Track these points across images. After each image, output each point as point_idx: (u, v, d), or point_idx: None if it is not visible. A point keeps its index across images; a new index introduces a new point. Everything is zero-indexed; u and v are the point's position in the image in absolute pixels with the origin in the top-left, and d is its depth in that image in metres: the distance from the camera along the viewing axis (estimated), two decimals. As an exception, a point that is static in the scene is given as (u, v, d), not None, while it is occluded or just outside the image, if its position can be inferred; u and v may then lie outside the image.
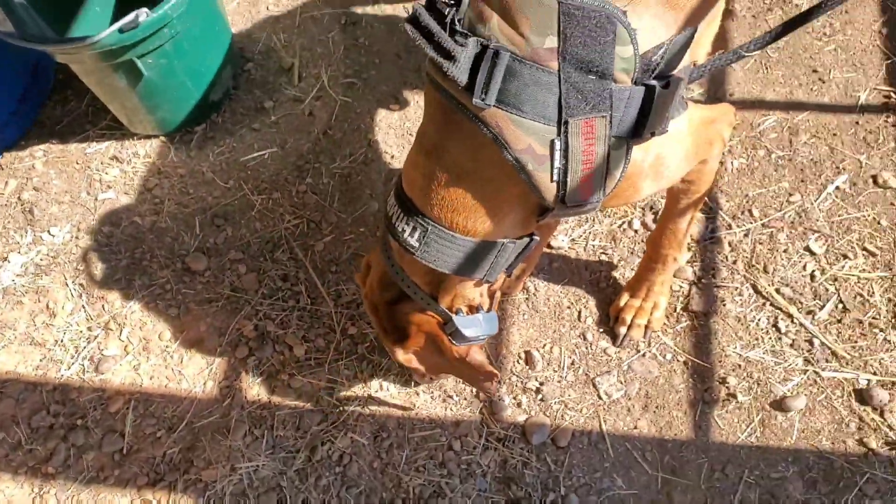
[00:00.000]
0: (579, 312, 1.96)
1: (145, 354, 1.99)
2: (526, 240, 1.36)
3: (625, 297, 1.93)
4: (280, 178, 2.23)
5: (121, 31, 1.92)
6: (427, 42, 1.17)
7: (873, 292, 1.90)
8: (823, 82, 2.20)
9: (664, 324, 1.92)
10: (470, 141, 1.22)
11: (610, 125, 1.20)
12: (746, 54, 1.30)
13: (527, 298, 1.99)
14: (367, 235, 2.12)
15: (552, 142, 1.19)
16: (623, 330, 1.92)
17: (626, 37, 1.16)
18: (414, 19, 1.18)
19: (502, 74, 1.15)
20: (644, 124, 1.22)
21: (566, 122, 1.17)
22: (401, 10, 2.47)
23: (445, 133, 1.25)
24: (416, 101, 2.31)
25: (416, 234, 1.31)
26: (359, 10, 2.48)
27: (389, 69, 2.38)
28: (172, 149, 2.32)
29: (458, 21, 1.18)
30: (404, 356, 1.51)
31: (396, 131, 2.27)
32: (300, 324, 2.00)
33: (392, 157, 2.23)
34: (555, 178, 1.22)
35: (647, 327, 1.91)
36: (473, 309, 1.44)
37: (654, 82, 1.20)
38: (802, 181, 2.06)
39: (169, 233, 2.18)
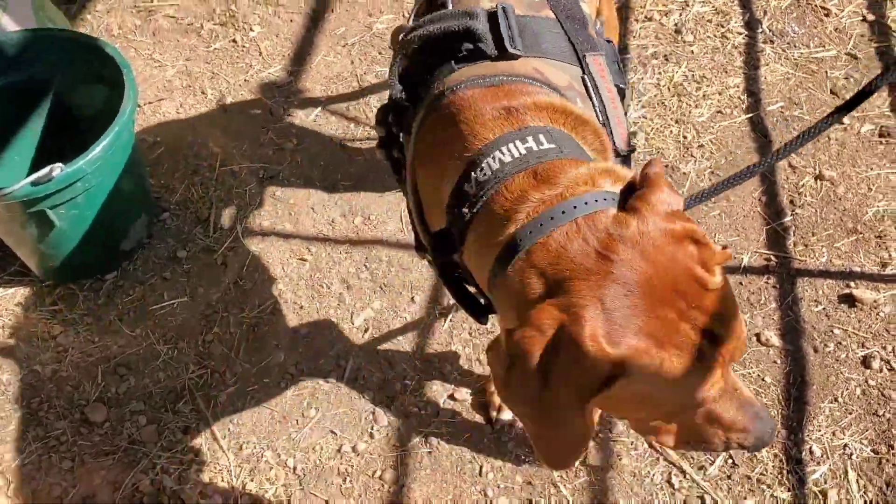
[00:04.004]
0: (481, 467, 1.98)
1: (33, 511, 1.93)
2: None
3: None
4: (187, 327, 2.25)
5: (34, 184, 1.96)
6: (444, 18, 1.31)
7: (760, 448, 1.97)
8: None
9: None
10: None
11: (607, 67, 1.36)
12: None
13: (430, 452, 2.01)
14: (270, 386, 2.13)
15: (583, 79, 1.31)
16: (494, 413, 2.03)
17: None
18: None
19: (517, 27, 1.28)
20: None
21: (584, 57, 1.32)
22: (317, 169, 2.58)
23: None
24: (328, 254, 2.38)
25: None
26: (276, 165, 2.58)
27: (304, 221, 2.45)
28: (81, 296, 2.32)
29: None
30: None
31: (307, 282, 2.32)
32: (198, 479, 1.97)
33: (301, 307, 2.27)
34: (599, 117, 1.30)
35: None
36: None
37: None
38: (693, 338, 2.16)
39: (69, 382, 2.15)
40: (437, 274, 1.32)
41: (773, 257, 2.28)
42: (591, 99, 1.32)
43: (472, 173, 1.17)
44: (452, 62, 1.31)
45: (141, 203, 2.37)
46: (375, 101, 2.73)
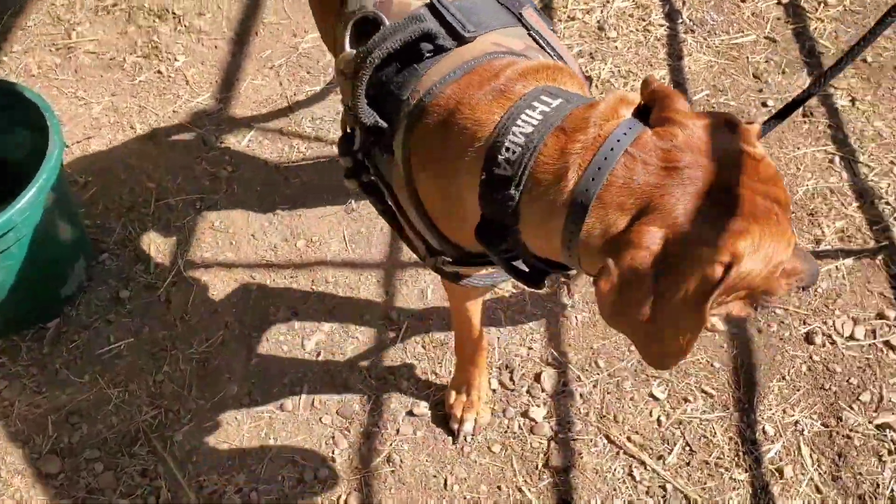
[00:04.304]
0: (445, 480, 1.99)
1: (-8, 574, 1.88)
2: None
3: (452, 395, 2.06)
4: (136, 368, 2.21)
5: (-38, 239, 1.91)
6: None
7: (715, 432, 2.01)
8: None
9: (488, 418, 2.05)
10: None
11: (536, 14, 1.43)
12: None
13: (393, 471, 2.01)
14: (226, 420, 2.11)
15: (529, 35, 1.37)
16: (456, 425, 2.05)
17: None
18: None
19: (459, 12, 1.33)
20: None
21: (521, 17, 1.37)
22: (254, 195, 2.55)
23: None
24: (273, 280, 2.36)
25: None
26: (213, 194, 2.56)
27: (246, 249, 2.43)
28: (24, 347, 2.26)
29: None
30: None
31: (254, 311, 2.30)
32: (161, 522, 1.94)
33: (250, 337, 2.25)
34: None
35: (476, 423, 2.05)
36: None
37: None
38: (642, 330, 2.20)
39: (20, 436, 2.10)
40: (500, 263, 1.31)
41: (711, 243, 2.33)
42: (544, 49, 1.41)
43: (498, 157, 1.19)
44: (414, 66, 1.33)
45: (77, 246, 2.33)
46: (308, 122, 2.72)
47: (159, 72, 2.89)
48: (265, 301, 2.33)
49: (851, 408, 2.01)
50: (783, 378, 2.07)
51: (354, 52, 1.39)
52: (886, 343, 2.10)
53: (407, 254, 2.38)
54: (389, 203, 1.49)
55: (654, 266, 1.06)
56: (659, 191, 1.08)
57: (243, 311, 2.31)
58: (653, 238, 1.06)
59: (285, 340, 2.24)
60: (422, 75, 1.33)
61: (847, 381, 2.05)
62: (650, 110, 1.16)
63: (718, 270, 1.04)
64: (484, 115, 1.24)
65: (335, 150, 2.61)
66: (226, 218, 2.51)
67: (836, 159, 2.46)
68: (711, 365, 2.12)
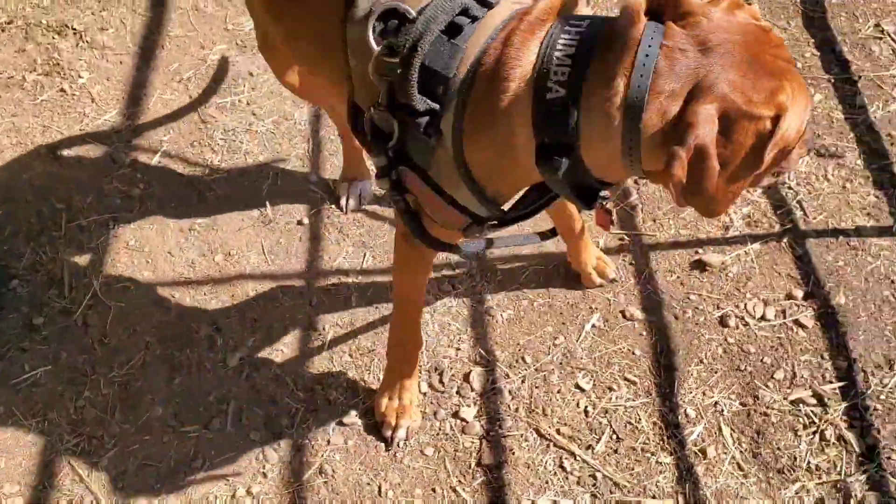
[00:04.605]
0: (379, 487, 1.99)
1: None
2: None
3: (384, 401, 2.05)
4: (55, 396, 2.14)
5: None
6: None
7: (640, 419, 2.07)
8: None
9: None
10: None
11: None
12: None
13: (325, 482, 2.00)
14: (152, 443, 2.06)
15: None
16: (389, 432, 2.05)
17: None
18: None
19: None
20: None
21: None
22: (168, 211, 2.51)
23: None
24: (192, 296, 2.32)
25: None
26: (126, 213, 2.50)
27: (163, 267, 2.39)
28: (-68, 382, 2.18)
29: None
30: None
31: (174, 329, 2.26)
32: (89, 552, 1.89)
33: (172, 356, 2.21)
34: None
35: (409, 428, 2.05)
36: None
37: None
38: (563, 323, 2.25)
39: (-68, 476, 2.02)
40: (568, 195, 1.41)
41: (626, 236, 2.40)
42: None
43: (547, 83, 1.30)
44: (453, 42, 1.40)
45: (-16, 274, 2.25)
46: (220, 135, 2.68)
47: (62, 90, 2.81)
48: (186, 318, 2.29)
49: (767, 386, 2.09)
50: (701, 362, 2.14)
51: (385, 45, 1.42)
52: (796, 322, 2.19)
53: (329, 262, 2.37)
54: (410, 201, 1.57)
55: (716, 139, 1.21)
56: (702, 70, 1.23)
57: (164, 330, 2.27)
58: (708, 114, 1.20)
59: (208, 357, 2.21)
60: (465, 48, 1.40)
61: (761, 360, 2.13)
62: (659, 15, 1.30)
63: (769, 124, 1.21)
64: (525, 53, 1.34)
65: (249, 161, 2.60)
66: (141, 236, 2.46)
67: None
68: (633, 353, 2.17)
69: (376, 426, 2.08)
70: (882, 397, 2.04)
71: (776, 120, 1.21)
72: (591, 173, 1.36)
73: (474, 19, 1.41)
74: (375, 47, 1.44)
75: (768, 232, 2.36)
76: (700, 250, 2.35)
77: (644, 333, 2.21)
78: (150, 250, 2.43)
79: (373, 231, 2.44)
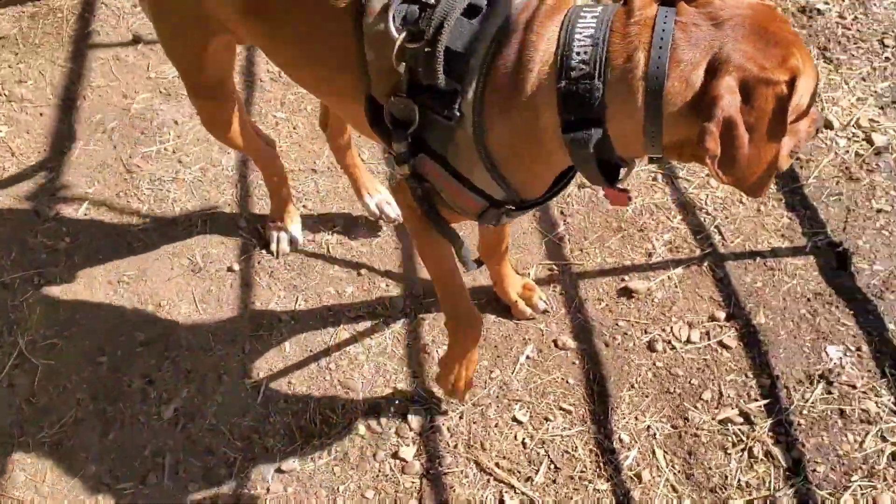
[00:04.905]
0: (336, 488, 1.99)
1: None
2: None
3: (450, 375, 2.07)
4: (-18, 461, 2.09)
5: None
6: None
7: (577, 447, 2.11)
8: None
9: None
10: None
11: None
12: None
13: None
14: (87, 504, 2.02)
15: None
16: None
17: None
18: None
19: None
20: None
21: None
22: (96, 264, 2.47)
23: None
24: (123, 349, 2.29)
25: None
26: (52, 268, 2.46)
27: (92, 321, 2.35)
28: None
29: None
30: None
31: (106, 384, 2.23)
32: None
33: (104, 411, 2.17)
34: None
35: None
36: None
37: None
38: (498, 356, 2.28)
39: None
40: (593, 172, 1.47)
41: (555, 266, 2.45)
42: None
43: (570, 62, 1.37)
44: (472, 22, 1.45)
45: None
46: (146, 184, 2.66)
47: (-19, 145, 2.76)
48: (117, 372, 2.25)
49: (696, 407, 2.15)
50: (632, 387, 2.20)
51: (408, 32, 1.46)
52: (720, 343, 2.26)
53: (261, 307, 2.37)
54: (428, 182, 1.62)
55: (741, 104, 1.29)
56: (716, 42, 1.31)
57: (95, 385, 2.23)
58: (730, 86, 1.28)
59: (142, 410, 2.18)
60: (483, 29, 1.44)
61: (689, 382, 2.20)
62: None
63: (785, 88, 1.29)
64: (544, 37, 1.41)
65: (177, 209, 2.58)
66: (68, 291, 2.42)
67: (659, 177, 2.64)
68: (567, 382, 2.22)
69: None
70: (805, 412, 2.12)
71: (792, 83, 1.29)
72: (614, 149, 1.43)
73: (491, 2, 1.46)
74: (397, 35, 1.48)
75: (689, 257, 2.44)
76: (626, 277, 2.41)
77: (577, 362, 2.25)
78: (78, 305, 2.39)
79: (304, 273, 2.45)
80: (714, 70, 1.30)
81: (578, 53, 1.37)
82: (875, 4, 3.04)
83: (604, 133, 1.39)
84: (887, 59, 2.91)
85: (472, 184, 1.57)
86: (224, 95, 2.12)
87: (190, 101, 2.21)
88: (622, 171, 1.52)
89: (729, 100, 1.28)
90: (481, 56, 1.45)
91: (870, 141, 2.67)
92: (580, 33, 1.38)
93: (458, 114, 1.48)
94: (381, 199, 2.53)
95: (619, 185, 1.53)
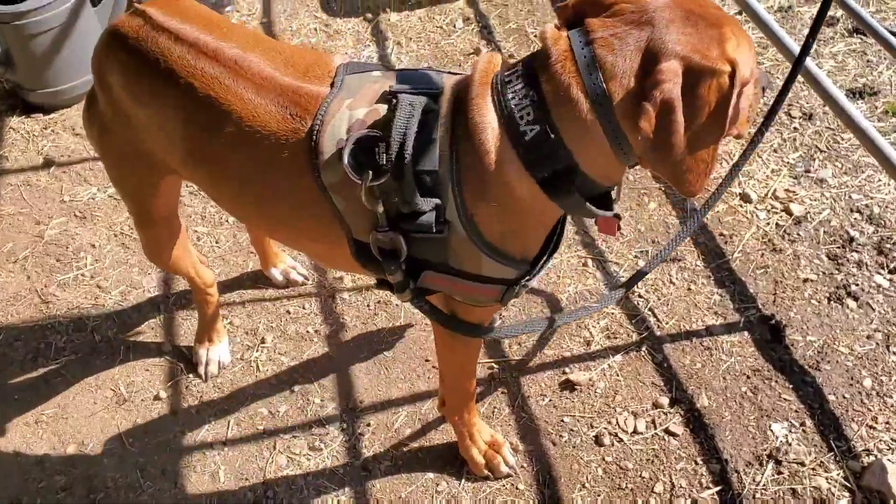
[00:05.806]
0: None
1: None
2: None
3: (476, 454, 2.13)
4: None
5: None
6: None
7: (532, 556, 2.02)
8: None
9: None
10: None
11: None
12: None
13: None
14: None
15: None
16: (504, 469, 2.16)
17: None
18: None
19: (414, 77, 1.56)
20: None
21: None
22: (11, 404, 2.33)
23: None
24: (45, 497, 2.14)
25: None
26: (-38, 413, 2.31)
27: (10, 469, 2.20)
28: None
29: None
30: None
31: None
32: None
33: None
34: None
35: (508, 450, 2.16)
36: None
37: None
38: (444, 466, 2.19)
39: None
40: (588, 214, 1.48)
41: (494, 365, 2.40)
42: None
43: (519, 128, 1.38)
44: (426, 134, 1.46)
45: None
46: (64, 315, 2.54)
47: None
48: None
49: (649, 502, 2.10)
50: (584, 486, 2.13)
51: (371, 171, 1.44)
52: (666, 430, 2.22)
53: (191, 437, 2.25)
54: (428, 300, 1.64)
55: (682, 91, 1.28)
56: (645, 40, 1.31)
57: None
58: (672, 70, 1.28)
59: (68, 564, 2.03)
60: (439, 136, 1.45)
61: (640, 475, 2.15)
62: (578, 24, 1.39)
63: (727, 80, 1.28)
64: (486, 117, 1.42)
65: (97, 337, 2.47)
66: (-16, 420, 2.27)
67: (589, 262, 2.64)
68: (517, 488, 2.14)
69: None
70: (757, 495, 2.08)
71: (733, 74, 1.28)
72: (596, 182, 1.44)
73: (431, 111, 1.47)
74: (358, 179, 1.45)
75: (627, 342, 2.42)
76: (567, 369, 2.37)
77: (525, 465, 2.18)
78: (-8, 448, 2.24)
79: (234, 395, 2.35)
80: (651, 63, 1.30)
81: (522, 118, 1.38)
82: (779, 78, 3.15)
83: (581, 173, 1.41)
84: (795, 129, 2.99)
85: (484, 276, 1.57)
86: (171, 224, 2.10)
87: (137, 232, 2.15)
88: (613, 193, 1.54)
89: (670, 83, 1.28)
90: (447, 161, 1.45)
91: (788, 211, 2.72)
92: (512, 97, 1.40)
93: (446, 223, 1.49)
94: (286, 266, 2.57)
95: (615, 209, 1.54)
